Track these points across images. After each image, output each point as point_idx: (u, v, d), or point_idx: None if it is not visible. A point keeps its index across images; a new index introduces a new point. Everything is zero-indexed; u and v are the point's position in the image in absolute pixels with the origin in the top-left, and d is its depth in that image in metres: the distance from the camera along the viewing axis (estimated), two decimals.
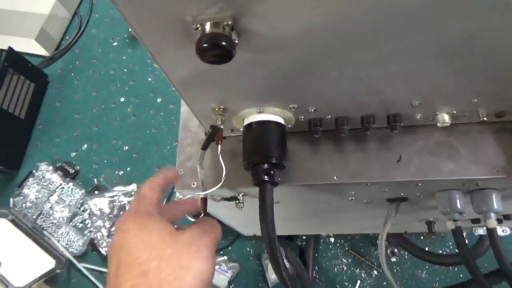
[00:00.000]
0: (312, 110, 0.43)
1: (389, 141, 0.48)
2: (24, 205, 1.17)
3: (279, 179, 0.45)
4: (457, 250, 0.51)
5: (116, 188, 1.16)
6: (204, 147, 0.45)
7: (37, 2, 1.40)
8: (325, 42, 0.31)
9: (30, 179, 1.20)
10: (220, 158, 0.45)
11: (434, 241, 1.01)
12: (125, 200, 1.14)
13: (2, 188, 1.23)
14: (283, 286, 0.44)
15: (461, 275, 0.98)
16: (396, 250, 1.01)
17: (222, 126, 0.45)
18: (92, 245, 1.10)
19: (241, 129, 0.46)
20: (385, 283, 0.99)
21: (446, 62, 0.35)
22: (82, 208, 1.16)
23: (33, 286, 1.02)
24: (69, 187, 1.17)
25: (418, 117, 0.45)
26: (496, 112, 0.44)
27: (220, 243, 1.08)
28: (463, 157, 0.46)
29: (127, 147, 1.24)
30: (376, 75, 0.37)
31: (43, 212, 1.15)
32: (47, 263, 1.05)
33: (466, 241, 0.50)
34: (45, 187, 1.18)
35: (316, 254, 1.04)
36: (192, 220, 0.44)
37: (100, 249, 1.09)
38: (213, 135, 0.44)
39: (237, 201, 0.52)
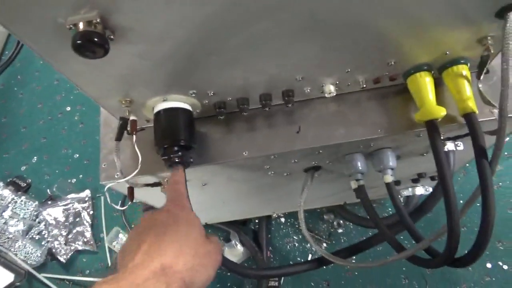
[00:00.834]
0: (211, 94, 0.48)
1: (290, 115, 0.53)
2: None
3: (191, 160, 0.49)
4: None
5: (69, 196, 1.17)
6: (118, 138, 0.49)
7: None
8: (190, 32, 0.36)
9: None
10: (136, 147, 0.49)
11: (375, 208, 1.09)
12: (79, 206, 1.15)
13: None
14: None
15: (401, 237, 1.06)
16: (341, 221, 1.08)
17: (132, 117, 0.50)
18: (51, 255, 1.12)
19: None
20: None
21: (309, 38, 0.40)
22: (37, 220, 1.16)
23: None
24: (21, 201, 1.17)
25: (308, 90, 0.50)
26: (373, 79, 0.50)
27: None
28: (352, 122, 0.52)
29: (77, 155, 1.25)
30: (252, 57, 0.42)
31: None
32: (6, 278, 1.06)
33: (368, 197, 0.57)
34: None
35: (269, 235, 1.09)
36: (144, 212, 0.50)
37: (59, 257, 1.10)
38: (124, 126, 0.49)
39: (162, 187, 0.56)
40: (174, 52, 0.39)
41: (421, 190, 0.84)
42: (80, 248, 1.12)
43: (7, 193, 1.19)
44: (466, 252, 0.49)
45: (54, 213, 1.14)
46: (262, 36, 0.39)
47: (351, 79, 0.49)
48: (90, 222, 1.15)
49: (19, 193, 1.19)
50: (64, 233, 1.12)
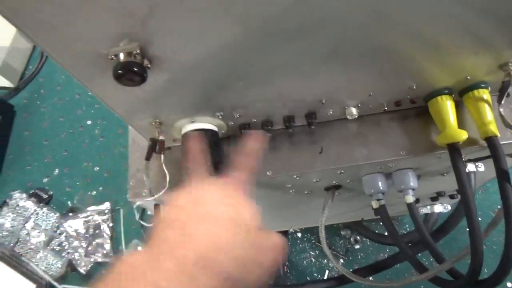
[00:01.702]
0: (238, 116, 0.50)
1: (313, 136, 0.55)
2: (0, 234, 1.19)
3: None
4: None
5: (89, 208, 1.20)
6: (147, 158, 0.51)
7: None
8: (221, 60, 0.38)
9: (5, 209, 1.22)
10: (164, 166, 0.51)
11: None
12: (99, 219, 1.18)
13: None
14: None
15: (419, 254, 1.05)
16: (358, 237, 1.08)
17: (161, 138, 0.52)
18: (71, 266, 1.14)
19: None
20: (351, 269, 1.06)
21: (334, 64, 0.42)
22: (58, 231, 1.19)
23: None
24: (43, 212, 1.20)
25: (331, 112, 0.52)
26: (395, 102, 0.51)
27: None
28: (373, 143, 0.53)
29: (97, 168, 1.28)
30: (279, 81, 0.43)
31: (20, 239, 1.18)
32: None
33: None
34: (20, 215, 1.21)
35: (286, 251, 1.10)
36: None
37: (79, 268, 1.12)
38: (154, 147, 0.50)
39: None
40: (205, 78, 0.41)
41: (440, 208, 0.83)
42: (99, 260, 1.14)
43: (29, 204, 1.22)
44: (486, 271, 0.49)
45: (75, 225, 1.17)
46: (290, 62, 0.40)
47: (373, 102, 0.51)
48: (110, 235, 1.17)
49: (41, 204, 1.22)
50: (84, 245, 1.15)
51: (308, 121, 0.51)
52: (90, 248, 1.15)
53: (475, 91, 0.48)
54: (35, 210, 1.21)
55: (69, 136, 1.35)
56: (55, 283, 1.11)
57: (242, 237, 0.30)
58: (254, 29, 0.34)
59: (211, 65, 0.39)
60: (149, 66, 0.37)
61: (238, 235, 0.30)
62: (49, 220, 1.20)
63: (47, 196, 1.25)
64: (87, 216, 1.18)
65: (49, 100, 1.43)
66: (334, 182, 0.61)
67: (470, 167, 0.56)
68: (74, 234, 1.16)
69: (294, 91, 0.46)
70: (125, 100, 0.43)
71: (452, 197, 0.79)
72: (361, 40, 0.38)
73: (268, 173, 0.53)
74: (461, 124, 0.50)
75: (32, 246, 1.17)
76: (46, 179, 1.29)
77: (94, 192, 1.24)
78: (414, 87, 0.48)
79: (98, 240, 1.16)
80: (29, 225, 1.19)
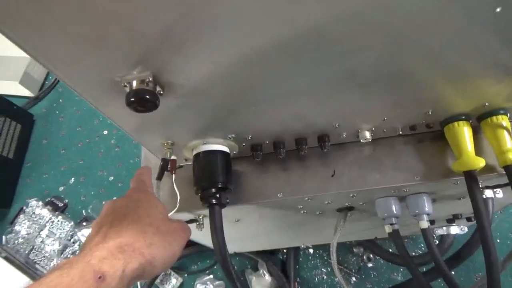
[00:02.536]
0: (249, 138, 0.49)
1: (325, 158, 0.54)
2: (16, 241, 1.21)
3: (227, 200, 0.50)
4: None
5: None
6: (159, 177, 0.51)
7: None
8: (232, 87, 0.38)
9: (21, 216, 1.25)
10: (175, 186, 0.51)
11: (407, 244, 1.07)
12: None
13: None
14: None
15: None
16: (371, 256, 1.06)
17: (173, 157, 0.52)
18: None
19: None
20: None
21: (348, 89, 0.41)
22: (72, 240, 1.21)
23: None
24: (58, 221, 1.22)
25: (344, 135, 0.51)
26: (409, 126, 0.50)
27: (205, 263, 1.13)
28: (387, 167, 0.52)
29: (112, 178, 1.30)
30: (291, 106, 0.43)
31: (35, 246, 1.20)
32: None
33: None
34: (35, 222, 1.23)
35: (297, 266, 1.09)
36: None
37: None
38: (165, 166, 0.51)
39: (197, 223, 0.58)
40: (217, 103, 0.41)
41: (456, 230, 0.81)
42: None
43: (45, 212, 1.24)
44: None
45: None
46: (303, 88, 0.40)
47: (387, 126, 0.50)
48: None
49: (56, 213, 1.24)
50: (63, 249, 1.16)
51: (320, 144, 0.51)
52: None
53: (494, 118, 0.47)
54: (50, 218, 1.23)
55: (86, 145, 1.37)
56: None
57: (154, 228, 0.40)
58: (267, 55, 0.34)
59: (222, 91, 0.39)
60: (161, 92, 0.37)
61: (153, 227, 0.40)
62: (63, 229, 1.22)
63: (62, 205, 1.27)
64: None
65: (68, 110, 1.46)
66: (347, 204, 0.60)
67: (488, 193, 0.55)
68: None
69: (307, 115, 0.46)
70: (135, 123, 0.44)
71: (469, 219, 0.77)
72: (378, 66, 0.38)
73: (279, 195, 0.53)
74: (479, 151, 0.49)
75: (47, 254, 1.18)
76: (62, 188, 1.32)
77: None
78: (430, 113, 0.47)
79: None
80: (44, 233, 1.21)
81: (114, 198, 1.20)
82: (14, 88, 1.44)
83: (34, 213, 1.24)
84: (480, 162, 0.46)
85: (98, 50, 0.31)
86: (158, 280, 1.11)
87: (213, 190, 0.48)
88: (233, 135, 0.49)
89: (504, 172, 0.47)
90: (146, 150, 0.60)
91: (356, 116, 0.47)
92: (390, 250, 1.03)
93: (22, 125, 1.39)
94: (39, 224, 1.23)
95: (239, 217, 0.62)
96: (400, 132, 0.50)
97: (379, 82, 0.40)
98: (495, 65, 0.39)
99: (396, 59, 0.37)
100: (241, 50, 0.33)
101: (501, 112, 0.47)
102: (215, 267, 1.12)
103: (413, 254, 1.05)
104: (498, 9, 0.30)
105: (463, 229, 0.83)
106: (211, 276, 1.11)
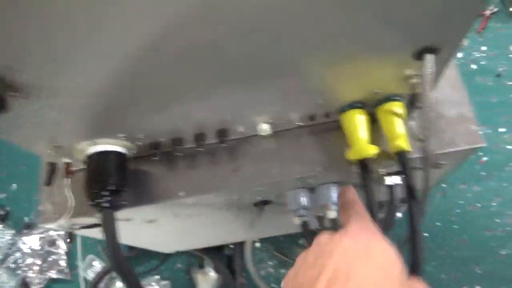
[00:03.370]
0: (142, 137, 0.47)
1: (229, 153, 0.53)
2: None
3: (123, 202, 0.48)
4: None
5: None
6: (46, 183, 0.48)
7: None
8: (103, 86, 0.36)
9: None
10: (66, 191, 0.49)
11: None
12: (55, 234, 1.15)
13: None
14: None
15: None
16: None
17: (66, 160, 0.49)
18: (25, 284, 1.11)
19: None
20: None
21: (229, 82, 0.40)
22: (13, 248, 1.16)
23: None
24: None
25: (242, 129, 0.50)
26: (308, 116, 0.49)
27: (152, 264, 1.11)
28: (289, 159, 0.51)
29: None
30: (176, 103, 0.41)
31: None
32: None
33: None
34: None
35: (244, 261, 1.08)
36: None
37: (33, 286, 1.09)
38: (52, 171, 0.48)
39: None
40: (92, 104, 0.39)
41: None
42: (54, 276, 1.11)
43: None
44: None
45: (30, 241, 1.14)
46: (183, 85, 0.38)
47: (284, 118, 0.49)
48: (66, 250, 1.14)
49: None
50: (39, 262, 1.12)
51: (219, 138, 0.49)
52: (45, 264, 1.12)
53: (386, 104, 0.46)
54: None
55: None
56: None
57: None
58: (137, 51, 0.32)
59: (94, 92, 0.36)
60: (15, 94, 0.34)
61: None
62: (3, 237, 1.17)
63: (3, 213, 1.22)
64: (43, 232, 1.15)
65: None
66: (259, 198, 0.59)
67: (395, 179, 0.55)
68: (29, 251, 1.13)
69: (194, 111, 0.44)
70: (7, 128, 0.41)
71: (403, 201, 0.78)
72: (250, 60, 0.36)
73: (180, 193, 0.51)
74: (377, 139, 0.49)
75: None
76: (3, 195, 1.26)
77: None
78: (322, 102, 0.46)
79: (54, 257, 1.13)
80: None
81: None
82: None
83: None
84: (372, 150, 0.46)
85: None
86: (102, 285, 1.08)
87: (104, 193, 0.46)
88: (124, 135, 0.46)
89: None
90: None
91: (246, 108, 0.45)
92: None
93: None
94: None
95: (151, 218, 0.60)
96: (300, 123, 0.49)
97: (256, 77, 0.39)
98: (367, 51, 0.38)
99: (265, 53, 0.35)
100: (99, 48, 0.31)
101: (395, 98, 0.47)
102: (161, 267, 1.10)
103: None
104: None
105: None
106: (158, 276, 1.09)
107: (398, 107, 0.47)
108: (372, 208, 0.44)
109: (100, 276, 1.06)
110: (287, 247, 1.08)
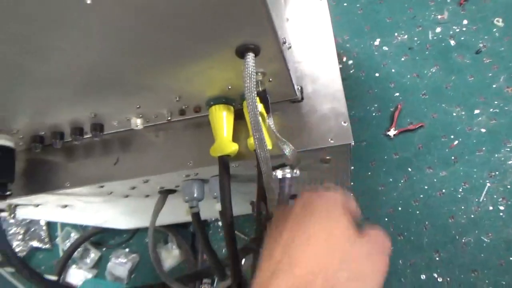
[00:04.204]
0: (16, 131, 0.49)
1: (109, 147, 0.54)
2: None
3: (8, 193, 0.51)
4: None
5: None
6: None
7: None
8: None
9: None
10: None
11: None
12: None
13: None
14: None
15: None
16: None
17: None
18: None
19: None
20: None
21: (85, 89, 0.41)
22: None
23: None
24: None
25: (115, 124, 0.50)
26: (178, 111, 0.49)
27: (122, 238, 1.16)
28: (165, 154, 0.51)
29: None
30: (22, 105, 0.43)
31: None
32: None
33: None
34: None
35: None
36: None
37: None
38: None
39: (8, 213, 0.59)
40: None
41: None
42: (36, 245, 1.20)
43: None
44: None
45: None
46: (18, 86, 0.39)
47: (152, 112, 0.49)
48: (46, 221, 1.22)
49: None
50: (22, 231, 1.21)
51: (92, 132, 0.50)
52: (27, 234, 1.21)
53: (244, 101, 0.45)
54: None
55: None
56: None
57: (338, 262, 0.28)
58: None
59: None
60: None
61: (338, 252, 0.29)
62: None
63: None
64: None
65: None
66: (159, 187, 0.60)
67: (286, 172, 0.54)
68: (13, 221, 1.22)
69: (66, 111, 0.45)
70: None
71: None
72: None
73: (67, 184, 0.53)
74: (244, 135, 0.48)
75: None
76: None
77: None
78: (177, 99, 0.45)
79: (36, 227, 1.22)
80: None
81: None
82: None
83: None
84: (232, 147, 0.45)
85: None
86: (77, 255, 1.16)
87: None
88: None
89: (280, 153, 0.45)
90: None
91: (107, 106, 0.46)
92: None
93: None
94: None
95: (65, 203, 0.63)
96: (169, 118, 0.49)
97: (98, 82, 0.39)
98: (195, 55, 0.37)
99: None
100: None
101: None
102: (131, 241, 1.16)
103: None
104: None
105: None
106: (127, 250, 1.15)
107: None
108: (226, 205, 0.44)
109: (74, 247, 1.14)
110: (248, 226, 1.09)
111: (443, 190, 0.99)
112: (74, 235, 1.19)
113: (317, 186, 0.36)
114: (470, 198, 0.97)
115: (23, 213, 0.68)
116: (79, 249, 1.15)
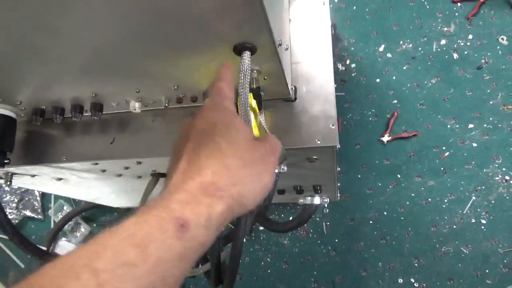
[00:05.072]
0: (19, 102, 0.51)
1: (107, 127, 0.56)
2: None
3: (6, 162, 0.53)
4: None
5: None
6: None
7: None
8: None
9: None
10: None
11: (287, 210, 1.11)
12: None
13: None
14: None
15: (318, 241, 1.06)
16: None
17: None
18: None
19: None
20: (252, 249, 1.09)
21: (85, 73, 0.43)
22: None
23: None
24: None
25: (114, 105, 0.52)
26: (176, 99, 0.51)
27: (113, 215, 1.19)
28: (159, 138, 0.53)
29: None
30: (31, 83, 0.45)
31: None
32: None
33: None
34: None
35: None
36: None
37: None
38: None
39: (4, 180, 0.62)
40: None
41: (318, 200, 0.83)
42: (28, 214, 1.22)
43: None
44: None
45: None
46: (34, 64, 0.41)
47: (151, 97, 0.51)
48: (40, 192, 1.25)
49: None
50: (16, 200, 1.23)
51: (91, 111, 0.52)
52: (21, 203, 1.24)
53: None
54: None
55: None
56: None
57: (238, 160, 0.31)
58: None
59: None
60: None
61: (238, 160, 0.32)
62: None
63: None
64: None
65: None
66: (151, 170, 0.62)
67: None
68: (8, 189, 1.24)
69: (67, 89, 0.47)
70: None
71: (315, 191, 0.79)
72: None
73: (63, 158, 0.55)
74: None
75: None
76: None
77: None
78: (175, 88, 0.47)
79: (30, 197, 1.24)
80: None
81: None
82: None
83: None
84: None
85: None
86: (68, 228, 1.19)
87: None
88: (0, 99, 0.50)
89: None
90: None
91: (108, 87, 0.48)
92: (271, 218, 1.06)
93: None
94: None
95: (60, 176, 0.65)
96: (167, 105, 0.51)
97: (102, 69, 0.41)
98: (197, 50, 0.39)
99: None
100: None
101: None
102: (121, 220, 1.18)
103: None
104: None
105: (325, 200, 0.84)
106: None
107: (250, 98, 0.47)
108: None
109: (66, 220, 1.16)
110: None
111: (429, 199, 1.02)
112: (66, 209, 1.21)
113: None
114: (455, 209, 0.99)
115: (19, 182, 0.71)
116: (70, 222, 1.18)
